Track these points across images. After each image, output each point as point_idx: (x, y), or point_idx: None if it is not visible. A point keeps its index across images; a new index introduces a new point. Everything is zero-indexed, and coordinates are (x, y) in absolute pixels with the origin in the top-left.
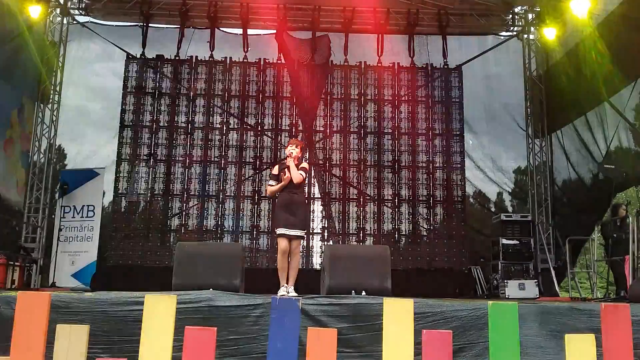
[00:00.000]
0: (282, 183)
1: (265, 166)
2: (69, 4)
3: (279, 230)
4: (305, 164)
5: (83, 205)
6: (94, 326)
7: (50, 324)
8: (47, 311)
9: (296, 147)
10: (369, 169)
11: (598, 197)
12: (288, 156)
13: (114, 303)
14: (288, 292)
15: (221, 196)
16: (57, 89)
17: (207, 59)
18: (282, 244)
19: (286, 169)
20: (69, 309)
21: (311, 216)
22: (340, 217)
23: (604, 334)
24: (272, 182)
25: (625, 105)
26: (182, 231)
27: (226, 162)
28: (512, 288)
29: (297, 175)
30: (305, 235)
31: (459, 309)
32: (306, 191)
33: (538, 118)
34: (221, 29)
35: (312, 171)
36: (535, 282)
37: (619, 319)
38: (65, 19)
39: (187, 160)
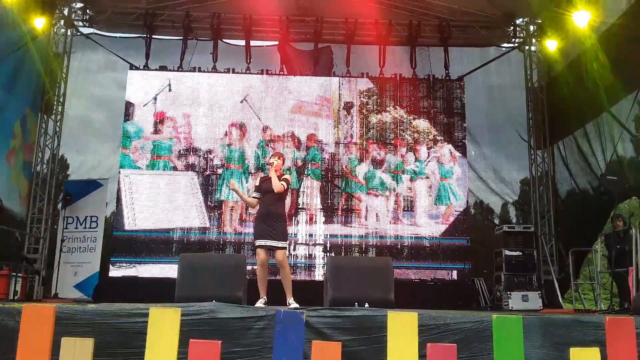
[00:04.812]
0: (243, 197)
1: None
2: (73, 15)
3: (257, 242)
4: (287, 176)
5: (86, 216)
6: (97, 338)
7: (54, 336)
8: (52, 324)
9: (278, 158)
10: (371, 179)
11: (600, 208)
12: (269, 165)
13: (118, 315)
14: (265, 304)
15: (223, 207)
16: (61, 99)
17: (210, 70)
18: (261, 255)
19: (267, 180)
20: (72, 321)
21: (313, 227)
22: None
23: (609, 347)
24: (254, 194)
25: (626, 116)
26: (185, 242)
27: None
28: (515, 300)
29: (278, 185)
30: (287, 246)
31: (462, 321)
32: (287, 203)
33: (540, 129)
34: (224, 40)
35: (314, 182)
36: (539, 293)
37: (624, 331)
38: (69, 30)
39: (190, 171)
